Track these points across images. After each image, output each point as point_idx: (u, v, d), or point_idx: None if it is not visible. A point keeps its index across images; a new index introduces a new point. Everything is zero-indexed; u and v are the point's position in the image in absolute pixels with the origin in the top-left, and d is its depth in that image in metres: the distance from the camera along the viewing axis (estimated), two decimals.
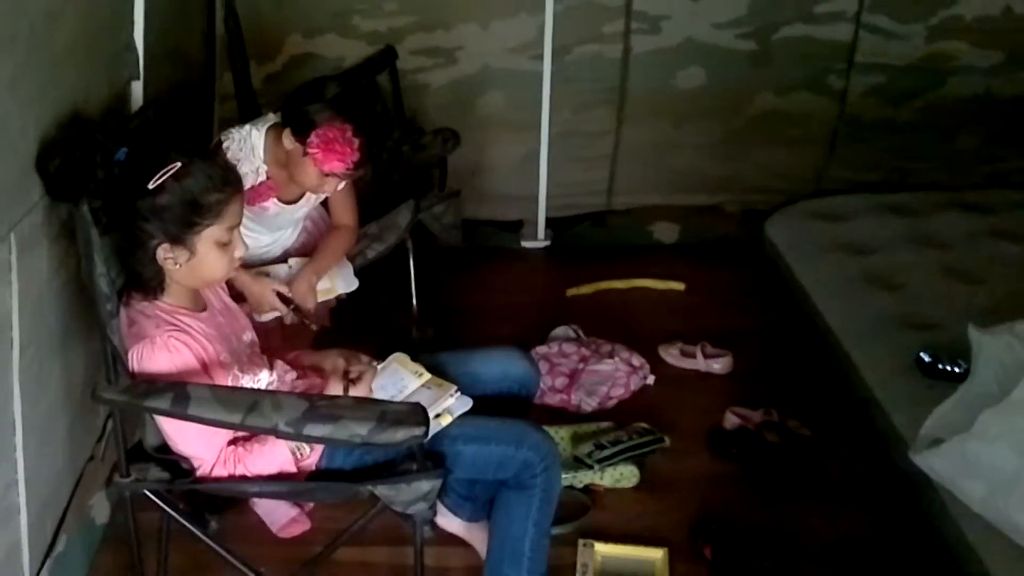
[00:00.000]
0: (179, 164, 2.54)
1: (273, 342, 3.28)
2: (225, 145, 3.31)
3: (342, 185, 3.38)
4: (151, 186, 2.52)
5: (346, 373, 2.77)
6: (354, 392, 2.72)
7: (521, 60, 4.86)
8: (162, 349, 2.60)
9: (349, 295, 3.59)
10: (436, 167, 4.27)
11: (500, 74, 4.88)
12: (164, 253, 2.61)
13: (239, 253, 2.70)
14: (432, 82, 4.84)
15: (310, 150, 3.18)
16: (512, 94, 4.93)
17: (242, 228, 3.20)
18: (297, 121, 3.24)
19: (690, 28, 4.84)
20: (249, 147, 3.33)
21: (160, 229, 2.57)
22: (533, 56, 4.85)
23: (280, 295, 3.32)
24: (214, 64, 4.52)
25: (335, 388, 2.73)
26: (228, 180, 2.62)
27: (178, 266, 2.63)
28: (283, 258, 3.56)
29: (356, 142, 3.15)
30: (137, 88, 3.37)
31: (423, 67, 4.80)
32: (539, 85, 4.89)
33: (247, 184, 3.29)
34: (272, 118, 3.37)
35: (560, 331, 4.38)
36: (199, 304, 2.78)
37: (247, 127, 3.35)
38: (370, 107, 3.29)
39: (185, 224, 2.59)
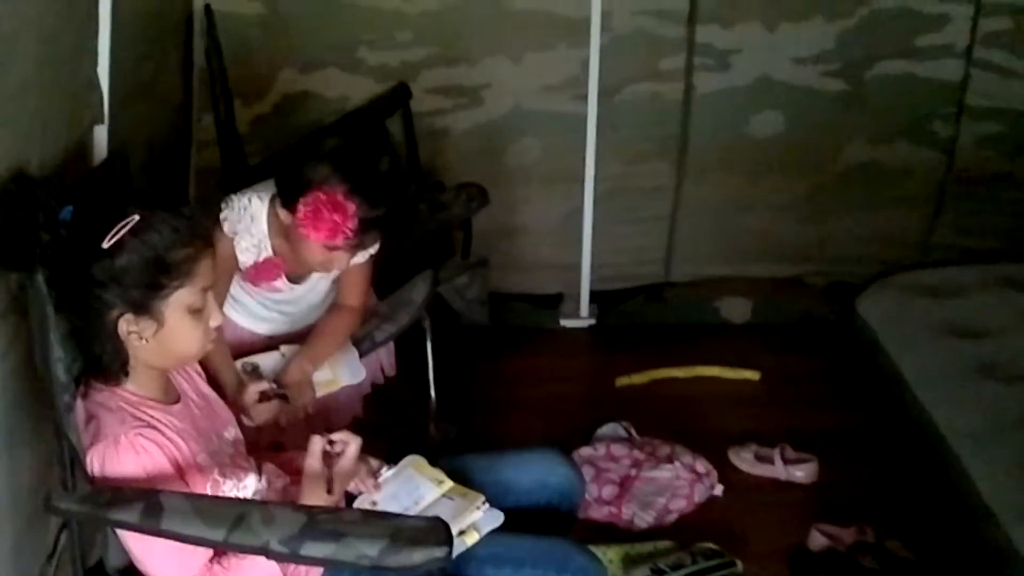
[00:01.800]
0: (137, 217, 2.58)
1: (293, 438, 3.33)
2: (223, 215, 3.39)
3: (359, 259, 3.44)
4: (106, 245, 2.55)
5: (326, 456, 2.77)
6: (339, 472, 2.73)
7: (561, 101, 4.92)
8: (128, 450, 2.59)
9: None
10: (459, 230, 4.33)
11: (536, 117, 4.94)
12: (127, 326, 2.62)
13: (215, 321, 2.72)
14: (454, 127, 4.91)
15: (297, 221, 3.25)
16: (550, 142, 4.98)
17: (264, 312, 3.58)
18: (287, 186, 3.32)
19: (766, 64, 4.90)
20: (249, 217, 3.41)
21: (120, 297, 2.60)
22: (576, 96, 4.91)
23: (264, 393, 3.30)
24: (192, 105, 4.59)
25: (313, 492, 2.72)
26: (196, 233, 2.66)
27: (144, 341, 2.65)
28: (276, 343, 3.61)
29: (351, 207, 3.20)
30: (101, 134, 3.41)
31: (442, 108, 4.87)
32: (583, 131, 4.95)
33: (248, 260, 3.43)
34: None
35: (608, 429, 4.41)
36: (171, 395, 2.79)
37: (248, 194, 3.43)
38: (375, 160, 3.31)
39: (150, 287, 2.61)
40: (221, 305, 3.04)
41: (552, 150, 4.99)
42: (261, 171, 3.61)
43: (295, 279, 3.55)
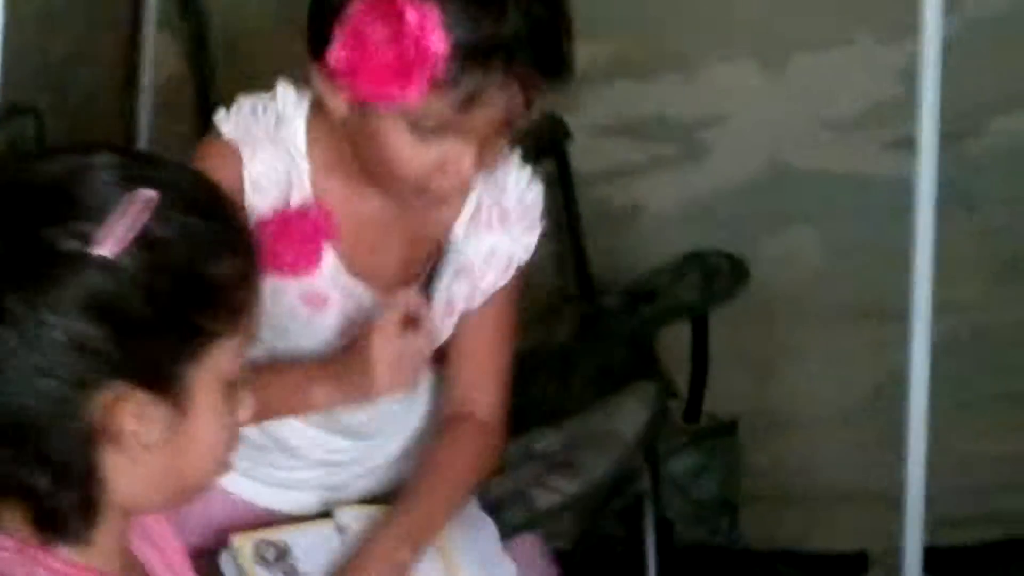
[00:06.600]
0: (152, 194, 1.98)
1: None
2: (226, 131, 2.88)
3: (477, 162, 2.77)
4: (105, 251, 1.96)
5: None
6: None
7: (862, 148, 4.60)
8: None
9: None
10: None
11: (812, 183, 4.63)
12: (130, 420, 1.99)
13: (246, 411, 2.20)
14: (649, 201, 4.67)
15: (331, 62, 2.67)
16: (840, 234, 4.66)
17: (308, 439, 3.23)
18: (315, 29, 2.76)
19: None
20: (273, 115, 2.95)
21: (120, 356, 2.00)
22: (889, 142, 4.44)
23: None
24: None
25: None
26: (236, 229, 2.10)
27: (148, 445, 2.10)
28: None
29: (430, 12, 2.57)
30: None
31: (629, 165, 4.62)
32: (905, 211, 4.14)
33: (272, 203, 2.95)
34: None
35: None
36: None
37: (278, 90, 3.00)
38: None
39: (180, 335, 2.05)
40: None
41: (844, 251, 4.62)
42: None
43: (355, 267, 2.89)
